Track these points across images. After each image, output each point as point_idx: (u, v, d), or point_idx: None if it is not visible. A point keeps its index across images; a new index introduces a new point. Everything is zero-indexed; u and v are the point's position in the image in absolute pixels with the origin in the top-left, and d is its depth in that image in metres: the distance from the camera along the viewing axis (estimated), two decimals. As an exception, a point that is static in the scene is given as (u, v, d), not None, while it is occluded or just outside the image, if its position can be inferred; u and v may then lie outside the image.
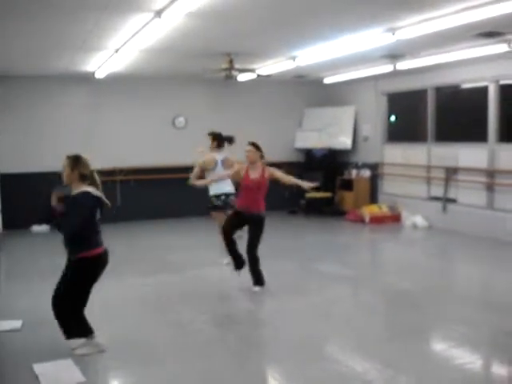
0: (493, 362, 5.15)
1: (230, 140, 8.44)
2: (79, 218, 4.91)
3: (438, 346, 5.49)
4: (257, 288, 6.98)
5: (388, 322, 6.21)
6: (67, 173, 5.02)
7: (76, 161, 5.03)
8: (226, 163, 8.18)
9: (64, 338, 5.13)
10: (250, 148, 7.09)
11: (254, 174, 7.01)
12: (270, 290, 7.21)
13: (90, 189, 5.00)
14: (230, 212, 7.68)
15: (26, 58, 9.58)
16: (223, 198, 8.16)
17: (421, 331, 5.75)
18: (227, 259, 7.80)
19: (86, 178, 5.03)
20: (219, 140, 8.39)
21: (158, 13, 6.15)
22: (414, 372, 4.72)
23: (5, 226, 11.14)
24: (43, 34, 7.54)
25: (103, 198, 5.10)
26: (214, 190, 8.15)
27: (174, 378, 4.71)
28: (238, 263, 7.21)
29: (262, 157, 7.11)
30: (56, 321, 5.13)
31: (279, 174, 7.18)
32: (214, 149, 8.34)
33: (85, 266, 5.00)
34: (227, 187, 8.21)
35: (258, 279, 7.00)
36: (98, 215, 5.10)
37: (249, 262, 7.02)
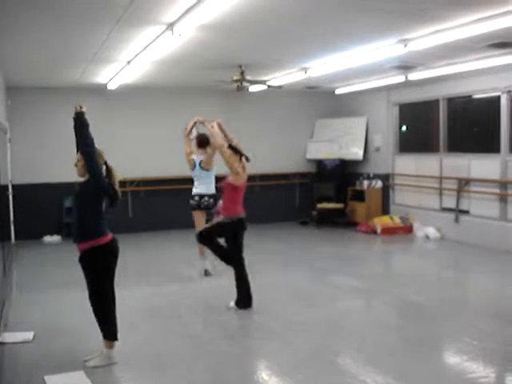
0: (507, 375, 5.09)
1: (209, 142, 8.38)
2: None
3: (451, 360, 5.43)
4: (232, 305, 6.81)
5: (400, 334, 6.16)
6: (81, 164, 5.09)
7: None
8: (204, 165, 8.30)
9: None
10: (227, 152, 6.81)
11: (231, 177, 6.83)
12: (282, 301, 7.20)
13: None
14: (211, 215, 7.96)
15: (37, 70, 9.66)
16: (196, 198, 8.29)
17: (433, 344, 5.71)
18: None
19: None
20: (199, 140, 8.48)
21: (170, 25, 6.19)
22: (427, 386, 4.69)
23: (17, 237, 11.18)
24: (55, 46, 7.60)
25: (115, 186, 5.15)
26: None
27: (185, 390, 4.69)
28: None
29: (241, 159, 6.82)
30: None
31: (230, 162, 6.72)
32: (197, 149, 8.48)
33: (96, 255, 5.00)
34: (201, 188, 8.29)
35: (240, 296, 6.80)
36: (105, 204, 5.11)
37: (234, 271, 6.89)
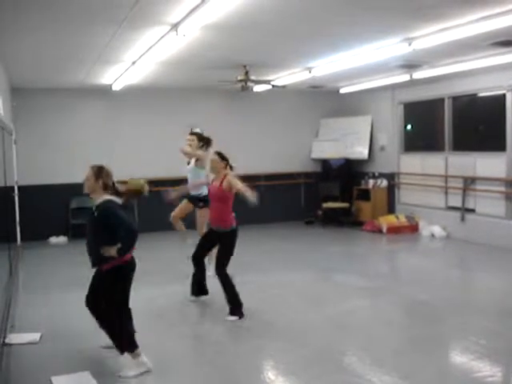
0: (514, 374, 5.08)
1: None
2: (122, 219, 4.92)
3: (458, 359, 5.42)
4: (231, 318, 6.48)
5: (406, 333, 6.15)
6: (91, 182, 5.06)
7: (100, 170, 5.10)
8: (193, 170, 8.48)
9: (120, 354, 5.09)
10: (214, 157, 6.78)
11: (215, 183, 6.77)
12: (288, 300, 7.20)
13: (112, 197, 5.08)
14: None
15: (42, 71, 9.69)
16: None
17: (440, 343, 5.70)
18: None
19: (108, 187, 5.10)
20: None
21: (174, 26, 6.19)
22: (434, 385, 4.68)
23: (23, 238, 11.22)
24: (60, 47, 7.62)
25: (125, 204, 5.18)
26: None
27: (192, 390, 4.70)
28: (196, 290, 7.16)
29: (227, 166, 6.75)
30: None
31: (233, 182, 6.58)
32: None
33: (120, 272, 5.02)
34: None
35: (233, 306, 6.55)
36: None
37: (220, 282, 6.64)
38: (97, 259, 5.04)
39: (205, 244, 6.98)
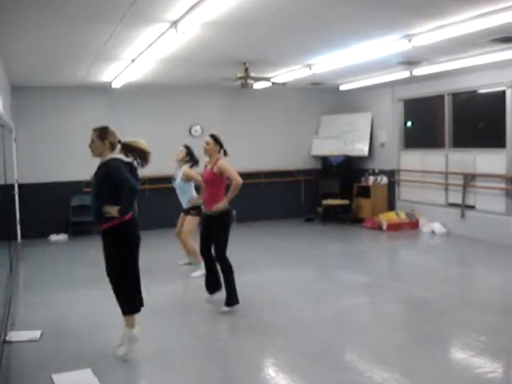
0: (514, 371, 5.09)
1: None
2: (124, 176, 4.94)
3: (458, 355, 5.42)
4: (226, 308, 6.59)
5: (407, 330, 6.16)
6: (97, 144, 5.11)
7: (105, 131, 5.17)
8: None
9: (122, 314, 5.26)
10: (209, 140, 6.68)
11: (208, 168, 6.74)
12: (288, 298, 7.20)
13: (120, 155, 5.13)
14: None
15: (42, 69, 9.68)
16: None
17: (440, 340, 5.70)
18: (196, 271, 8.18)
19: (115, 147, 5.15)
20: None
21: (174, 23, 6.19)
22: (434, 382, 4.68)
23: (23, 236, 11.22)
24: (59, 45, 7.61)
25: (134, 164, 5.21)
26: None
27: (192, 387, 4.71)
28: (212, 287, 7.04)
29: (220, 151, 6.69)
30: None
31: (223, 168, 6.53)
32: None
33: (119, 231, 5.04)
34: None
35: (229, 297, 6.61)
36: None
37: (220, 270, 6.71)
38: (98, 217, 5.06)
39: (205, 234, 6.81)
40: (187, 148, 8.64)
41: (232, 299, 6.61)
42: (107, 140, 5.10)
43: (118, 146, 5.24)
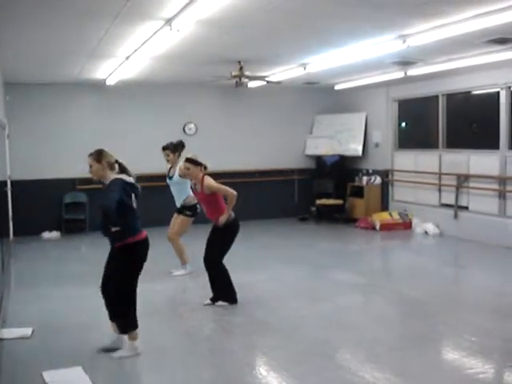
0: (506, 371, 5.08)
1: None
2: (117, 193, 4.91)
3: (450, 355, 5.43)
4: (221, 302, 6.75)
5: (399, 330, 6.16)
6: (96, 167, 5.14)
7: (100, 153, 5.20)
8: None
9: (118, 333, 5.28)
10: (187, 165, 6.72)
11: (197, 188, 6.85)
12: (281, 297, 7.20)
13: (122, 176, 5.14)
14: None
15: (36, 66, 9.64)
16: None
17: (432, 340, 5.71)
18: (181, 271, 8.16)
19: (114, 167, 5.17)
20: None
21: (168, 21, 6.17)
22: (426, 382, 4.69)
23: (15, 233, 11.17)
24: (54, 42, 7.58)
25: (136, 183, 5.25)
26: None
27: (184, 386, 4.70)
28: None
29: (201, 169, 6.72)
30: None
31: (212, 187, 6.66)
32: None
33: (134, 250, 5.16)
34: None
35: (224, 293, 6.77)
36: (135, 203, 5.22)
37: (210, 275, 6.83)
38: (110, 237, 5.15)
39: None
40: (169, 148, 8.57)
41: (228, 296, 6.75)
42: (104, 160, 5.13)
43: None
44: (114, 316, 5.27)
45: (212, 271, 6.78)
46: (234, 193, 6.61)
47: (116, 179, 5.09)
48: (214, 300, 6.78)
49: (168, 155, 8.45)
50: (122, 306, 5.21)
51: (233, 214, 6.73)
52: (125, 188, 5.04)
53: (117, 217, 4.91)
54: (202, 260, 6.90)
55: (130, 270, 5.17)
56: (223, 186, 6.67)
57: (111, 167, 5.16)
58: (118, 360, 5.12)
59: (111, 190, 4.97)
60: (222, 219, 6.59)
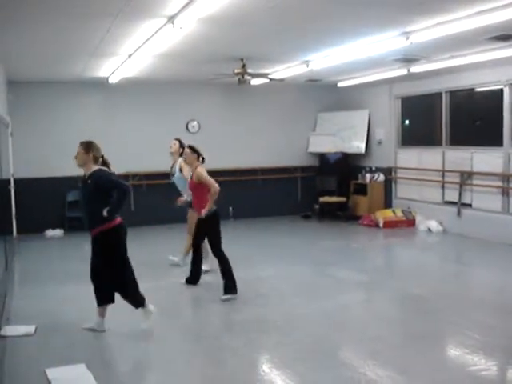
0: (508, 368, 5.09)
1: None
2: (114, 179, 5.60)
3: (453, 353, 5.44)
4: (225, 296, 6.88)
5: (402, 327, 6.16)
6: (81, 155, 5.62)
7: (90, 145, 5.67)
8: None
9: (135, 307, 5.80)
10: (186, 150, 7.32)
11: (191, 176, 7.29)
12: (284, 294, 7.21)
13: (102, 167, 5.66)
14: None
15: (39, 64, 9.65)
16: None
17: (435, 337, 5.71)
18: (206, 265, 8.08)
19: (98, 161, 5.66)
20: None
21: (171, 18, 6.16)
22: (428, 379, 4.68)
23: (19, 231, 11.19)
24: (56, 41, 7.59)
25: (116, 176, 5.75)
26: None
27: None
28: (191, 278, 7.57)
29: (198, 159, 7.22)
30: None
31: (199, 175, 7.07)
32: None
33: (110, 236, 5.58)
34: None
35: (227, 286, 6.93)
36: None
37: (218, 262, 7.11)
38: (93, 222, 5.59)
39: (197, 232, 7.32)
40: (179, 141, 8.62)
41: (230, 288, 6.90)
42: (91, 153, 5.60)
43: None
44: (123, 296, 5.76)
45: (218, 257, 7.05)
46: (217, 188, 6.92)
47: (101, 170, 5.62)
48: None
49: (175, 144, 8.58)
50: (127, 285, 5.71)
51: (214, 207, 7.03)
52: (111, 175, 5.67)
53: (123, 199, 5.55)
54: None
55: (114, 253, 5.62)
56: (211, 179, 6.99)
57: (95, 160, 5.61)
58: (121, 357, 5.12)
59: (108, 179, 5.57)
60: (204, 211, 6.94)
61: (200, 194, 7.11)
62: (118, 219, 5.64)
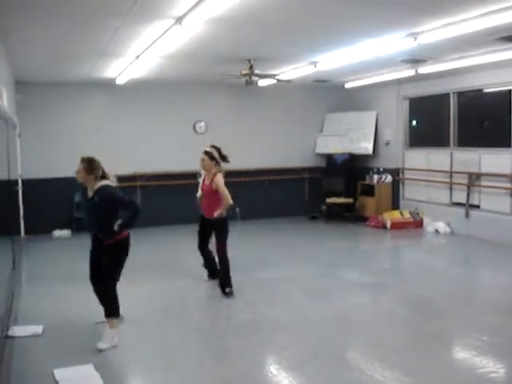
0: (516, 371, 5.07)
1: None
2: (125, 199, 5.64)
3: (460, 355, 5.41)
4: (227, 289, 7.16)
5: (409, 329, 6.14)
6: (82, 174, 5.58)
7: (91, 165, 5.57)
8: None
9: (105, 317, 5.66)
10: (203, 157, 7.31)
11: (207, 181, 7.33)
12: (291, 295, 7.20)
13: (107, 182, 5.61)
14: None
15: (47, 65, 9.67)
16: None
17: (442, 339, 5.69)
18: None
19: (99, 178, 5.59)
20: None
21: (179, 19, 6.17)
22: (435, 381, 4.67)
23: (26, 231, 11.23)
24: (64, 41, 7.60)
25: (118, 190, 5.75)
26: None
27: (193, 384, 4.70)
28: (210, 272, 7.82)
29: (216, 164, 7.31)
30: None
31: (219, 186, 7.15)
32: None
33: (122, 246, 5.64)
34: None
35: (224, 282, 7.21)
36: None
37: (218, 260, 7.33)
38: (107, 234, 5.59)
39: (202, 231, 7.59)
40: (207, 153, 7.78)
41: (226, 282, 7.19)
42: (92, 175, 5.54)
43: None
44: (105, 303, 5.70)
45: (221, 258, 7.25)
46: (231, 202, 7.11)
47: (106, 187, 5.56)
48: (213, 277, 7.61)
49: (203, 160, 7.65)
50: (110, 293, 5.67)
51: (225, 214, 7.20)
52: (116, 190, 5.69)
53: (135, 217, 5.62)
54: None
55: (121, 263, 5.66)
56: (227, 192, 7.11)
57: (96, 180, 5.56)
58: (128, 358, 5.13)
59: (116, 198, 5.58)
60: (216, 214, 7.08)
61: (213, 200, 7.20)
62: (125, 232, 5.70)
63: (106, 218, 5.52)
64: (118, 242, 5.60)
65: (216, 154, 7.32)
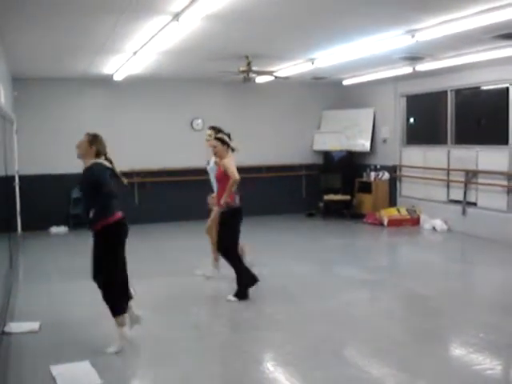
0: (513, 368, 5.08)
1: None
2: (107, 183, 5.19)
3: (457, 351, 5.42)
4: (231, 297, 6.77)
5: (406, 326, 6.14)
6: (85, 146, 5.33)
7: (95, 138, 5.36)
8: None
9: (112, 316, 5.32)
10: (215, 143, 6.95)
11: (219, 166, 7.03)
12: (288, 292, 7.20)
13: (102, 161, 5.33)
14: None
15: (44, 61, 9.65)
16: None
17: (439, 336, 5.70)
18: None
19: (101, 155, 5.34)
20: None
21: (176, 16, 6.16)
22: (432, 378, 4.66)
23: (23, 228, 11.23)
24: (61, 37, 7.59)
25: (115, 170, 5.41)
26: None
27: (189, 380, 4.70)
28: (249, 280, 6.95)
29: (229, 148, 6.96)
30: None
31: (226, 165, 6.76)
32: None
33: (108, 232, 5.21)
34: None
35: (238, 290, 6.78)
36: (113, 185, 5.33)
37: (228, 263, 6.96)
38: (89, 220, 5.19)
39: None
40: (214, 129, 7.81)
41: (240, 293, 6.75)
42: (95, 146, 5.30)
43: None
44: (106, 301, 5.32)
45: (226, 258, 6.91)
46: (237, 178, 6.68)
47: (96, 164, 5.28)
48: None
49: (210, 135, 7.64)
50: (109, 291, 5.28)
51: (238, 203, 6.87)
52: (104, 171, 5.28)
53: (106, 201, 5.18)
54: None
55: (110, 251, 5.25)
56: (232, 168, 6.72)
57: (97, 155, 5.31)
58: (125, 354, 5.13)
59: (98, 175, 5.20)
60: (222, 200, 6.71)
61: (224, 186, 6.80)
62: (120, 214, 5.31)
63: (86, 199, 5.25)
64: (104, 228, 5.16)
65: (226, 138, 6.96)
